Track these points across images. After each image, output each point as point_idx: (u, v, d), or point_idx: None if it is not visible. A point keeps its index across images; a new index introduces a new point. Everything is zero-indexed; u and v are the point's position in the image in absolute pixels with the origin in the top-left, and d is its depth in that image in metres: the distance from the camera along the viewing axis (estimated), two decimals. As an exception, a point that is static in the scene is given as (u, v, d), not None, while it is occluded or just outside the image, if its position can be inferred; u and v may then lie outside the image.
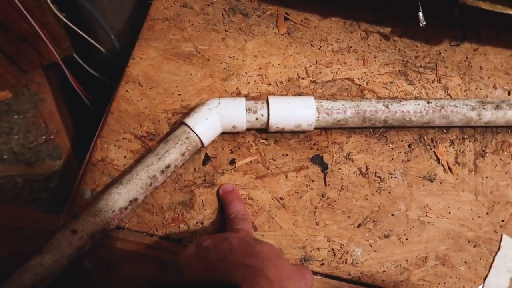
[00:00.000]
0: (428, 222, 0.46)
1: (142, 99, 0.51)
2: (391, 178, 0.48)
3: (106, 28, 0.76)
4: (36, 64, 0.79)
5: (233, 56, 0.54)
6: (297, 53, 0.55)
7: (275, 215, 0.46)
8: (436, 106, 0.48)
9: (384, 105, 0.48)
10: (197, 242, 0.36)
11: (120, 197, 0.42)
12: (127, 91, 0.52)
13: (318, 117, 0.47)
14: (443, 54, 0.56)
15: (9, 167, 0.70)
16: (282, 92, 0.52)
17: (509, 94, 0.54)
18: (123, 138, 0.49)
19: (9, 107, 0.73)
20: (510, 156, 0.50)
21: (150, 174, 0.43)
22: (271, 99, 0.47)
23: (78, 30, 0.77)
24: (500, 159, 0.50)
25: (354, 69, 0.54)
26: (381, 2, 0.59)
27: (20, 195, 0.67)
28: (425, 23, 0.50)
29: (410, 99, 0.49)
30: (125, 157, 0.48)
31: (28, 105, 0.77)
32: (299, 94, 0.52)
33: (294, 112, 0.47)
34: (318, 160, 0.49)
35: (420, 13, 0.50)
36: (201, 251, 0.34)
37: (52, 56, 0.76)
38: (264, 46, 0.55)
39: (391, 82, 0.54)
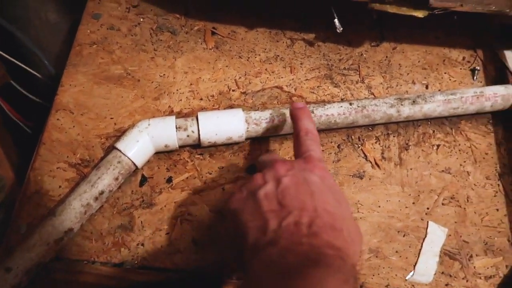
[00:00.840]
0: (361, 218, 0.49)
1: (74, 126, 0.51)
2: (324, 179, 0.51)
3: (39, 53, 0.75)
4: (-31, 96, 0.77)
5: (164, 74, 0.55)
6: (226, 66, 0.57)
7: (215, 228, 0.47)
8: (358, 106, 0.51)
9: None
10: (275, 173, 0.36)
11: (54, 229, 0.42)
12: (58, 119, 0.52)
13: (248, 128, 0.49)
14: (364, 55, 0.59)
15: None
16: (214, 106, 0.54)
17: (427, 87, 0.57)
18: (57, 168, 0.49)
19: None
20: (431, 147, 0.54)
21: (83, 202, 0.43)
22: (200, 115, 0.48)
23: (10, 58, 0.75)
24: (422, 150, 0.53)
25: (282, 77, 0.57)
26: (303, 10, 0.61)
27: (-38, 234, 0.65)
28: (342, 29, 0.53)
29: (334, 102, 0.52)
30: (60, 186, 0.48)
31: (-35, 139, 0.75)
32: (231, 106, 0.54)
33: (224, 126, 0.48)
34: (253, 169, 0.50)
35: (336, 20, 0.52)
36: (280, 195, 0.34)
37: (-16, 87, 0.74)
38: (194, 62, 0.57)
39: (318, 86, 0.56)
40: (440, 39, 0.61)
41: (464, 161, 0.53)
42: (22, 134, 0.83)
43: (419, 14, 0.49)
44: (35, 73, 0.79)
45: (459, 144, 0.54)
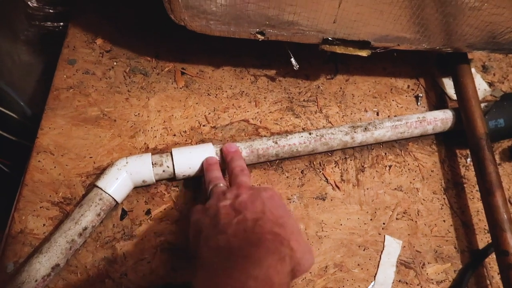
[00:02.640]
0: (325, 236, 0.54)
1: (55, 167, 0.55)
2: (290, 202, 0.56)
3: (14, 95, 0.78)
4: None
5: (138, 113, 0.60)
6: (196, 103, 0.62)
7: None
8: (317, 135, 0.56)
9: (273, 142, 0.55)
10: (235, 193, 0.43)
11: (41, 266, 0.45)
12: (39, 161, 0.55)
13: (219, 160, 0.54)
14: (321, 88, 0.66)
15: None
16: (186, 141, 0.58)
17: (377, 114, 0.64)
18: (40, 207, 0.52)
19: None
20: (384, 168, 0.60)
21: (68, 239, 0.47)
22: (174, 151, 0.53)
23: (-14, 101, 0.78)
24: (376, 171, 0.60)
25: (248, 111, 0.62)
26: (264, 49, 0.67)
27: None
28: (298, 66, 0.59)
29: (295, 132, 0.57)
30: (44, 225, 0.51)
31: None
32: (202, 140, 0.59)
33: (196, 159, 0.53)
34: (225, 197, 0.55)
35: (292, 59, 0.59)
36: (237, 205, 0.40)
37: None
38: (166, 101, 0.61)
39: (281, 118, 0.62)
40: (387, 70, 0.68)
41: (414, 179, 0.60)
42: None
43: (364, 53, 0.56)
44: (10, 113, 0.82)
45: (408, 164, 0.61)
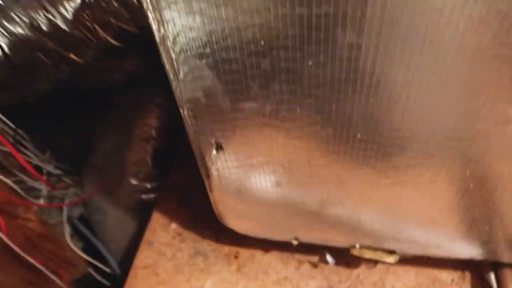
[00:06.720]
0: None
1: None
2: None
3: (109, 257, 0.96)
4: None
5: (195, 295, 0.70)
6: (245, 287, 0.70)
7: None
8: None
9: None
10: None
11: None
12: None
13: None
14: (361, 277, 0.69)
15: None
16: (232, 326, 0.66)
17: (417, 310, 0.65)
18: None
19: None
20: None
21: None
22: None
23: (93, 261, 0.97)
24: None
25: (290, 298, 0.68)
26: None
27: None
28: (334, 262, 0.65)
29: (329, 328, 0.61)
30: None
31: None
32: (246, 327, 0.66)
33: None
34: None
35: (327, 256, 0.65)
36: None
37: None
38: (219, 283, 0.71)
39: (320, 308, 0.67)
40: (430, 260, 0.70)
41: None
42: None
43: (391, 259, 0.60)
44: (105, 269, 1.00)
45: None
